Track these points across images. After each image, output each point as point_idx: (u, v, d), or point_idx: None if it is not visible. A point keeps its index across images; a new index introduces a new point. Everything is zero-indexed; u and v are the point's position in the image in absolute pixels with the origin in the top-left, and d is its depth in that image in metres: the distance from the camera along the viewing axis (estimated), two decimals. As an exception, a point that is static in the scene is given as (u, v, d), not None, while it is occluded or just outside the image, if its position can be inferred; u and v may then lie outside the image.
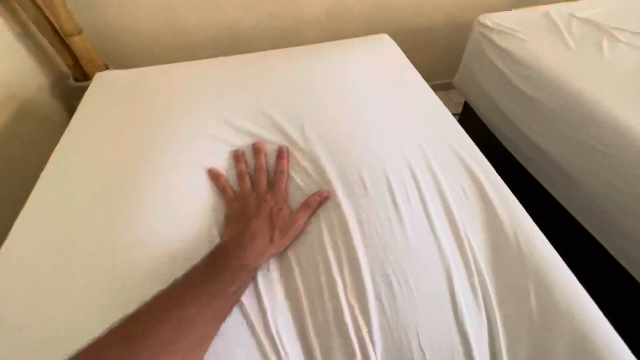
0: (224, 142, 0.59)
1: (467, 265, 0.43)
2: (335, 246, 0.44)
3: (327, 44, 0.88)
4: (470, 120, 1.23)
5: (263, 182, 0.50)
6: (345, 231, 0.44)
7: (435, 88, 1.67)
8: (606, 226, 0.74)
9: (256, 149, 0.56)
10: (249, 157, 0.56)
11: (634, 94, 0.73)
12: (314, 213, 0.47)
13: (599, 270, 0.80)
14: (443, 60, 1.55)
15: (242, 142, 0.59)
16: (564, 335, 0.38)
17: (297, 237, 0.45)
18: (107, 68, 1.08)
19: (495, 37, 1.00)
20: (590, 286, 0.43)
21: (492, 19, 1.04)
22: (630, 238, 0.69)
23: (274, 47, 0.87)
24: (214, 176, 0.52)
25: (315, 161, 0.54)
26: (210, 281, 0.35)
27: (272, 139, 0.59)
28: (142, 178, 0.53)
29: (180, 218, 0.48)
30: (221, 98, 0.69)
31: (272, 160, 0.56)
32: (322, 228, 0.46)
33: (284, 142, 0.58)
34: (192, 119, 0.64)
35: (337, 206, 0.47)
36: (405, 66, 0.80)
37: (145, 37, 1.14)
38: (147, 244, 0.44)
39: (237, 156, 0.55)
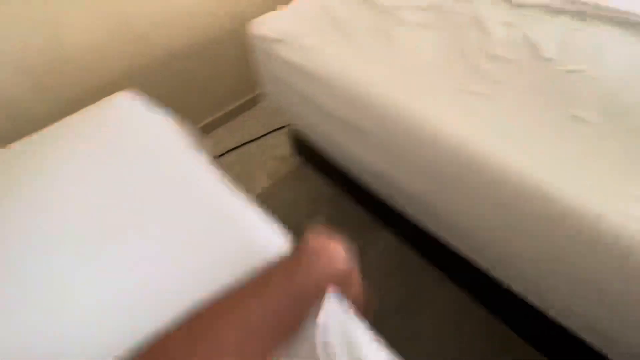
0: None
1: None
2: None
3: (39, 136, 0.58)
4: (300, 138, 1.00)
5: None
6: None
7: (247, 105, 1.38)
8: (498, 262, 0.59)
9: None
10: None
11: (449, 92, 0.57)
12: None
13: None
14: (244, 73, 1.25)
15: None
16: None
17: None
18: None
19: (277, 49, 0.75)
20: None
21: (265, 25, 0.78)
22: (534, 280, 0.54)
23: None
24: None
25: None
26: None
27: None
28: None
29: None
30: None
31: None
32: None
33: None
34: None
35: None
36: (155, 128, 0.57)
37: None
38: None
39: None
